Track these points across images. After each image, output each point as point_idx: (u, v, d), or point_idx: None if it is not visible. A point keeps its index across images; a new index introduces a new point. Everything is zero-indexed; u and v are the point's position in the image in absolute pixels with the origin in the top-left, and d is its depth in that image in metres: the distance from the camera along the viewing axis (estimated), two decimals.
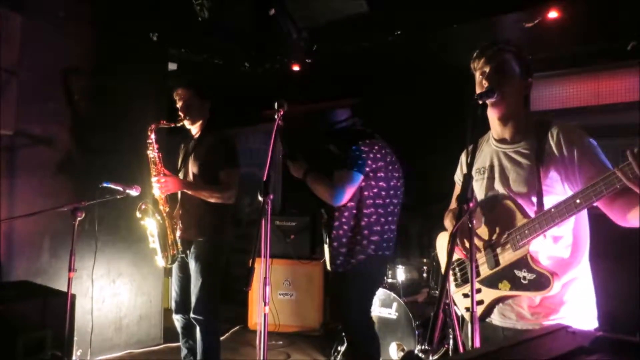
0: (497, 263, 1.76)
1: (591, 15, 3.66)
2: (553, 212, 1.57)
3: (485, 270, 1.80)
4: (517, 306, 1.75)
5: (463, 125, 1.73)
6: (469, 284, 1.56)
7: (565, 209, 1.54)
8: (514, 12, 3.67)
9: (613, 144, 4.03)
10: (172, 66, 5.20)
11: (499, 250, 1.75)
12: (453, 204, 2.13)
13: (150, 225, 3.25)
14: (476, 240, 1.77)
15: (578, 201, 1.50)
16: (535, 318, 1.73)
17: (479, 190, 1.89)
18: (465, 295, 1.92)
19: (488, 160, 1.88)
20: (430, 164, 4.45)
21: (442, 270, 1.97)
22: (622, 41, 3.85)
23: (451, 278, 1.99)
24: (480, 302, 1.81)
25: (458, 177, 2.12)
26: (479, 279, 1.81)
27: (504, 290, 1.73)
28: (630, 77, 3.94)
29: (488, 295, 1.79)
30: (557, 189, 1.71)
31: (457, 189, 2.11)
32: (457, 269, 1.98)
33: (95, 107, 4.20)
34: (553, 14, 3.61)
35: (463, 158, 2.08)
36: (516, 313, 1.76)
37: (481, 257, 1.81)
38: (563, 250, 1.73)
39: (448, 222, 2.06)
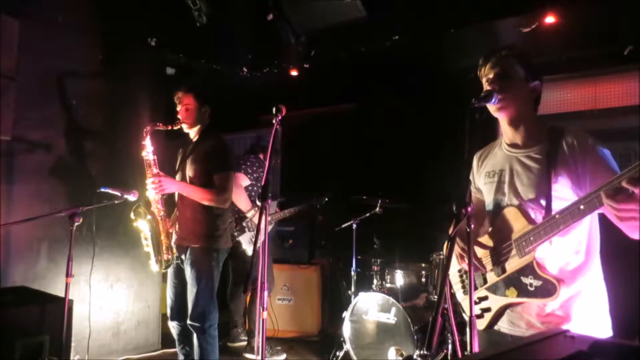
0: (503, 270, 1.75)
1: (588, 19, 3.67)
2: (557, 219, 1.55)
3: (492, 277, 1.79)
4: (526, 314, 1.73)
5: (462, 129, 1.73)
6: (476, 291, 1.54)
7: (569, 215, 1.51)
8: (511, 17, 3.68)
9: (612, 148, 4.03)
10: (170, 71, 5.20)
11: (505, 256, 1.74)
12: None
13: (144, 228, 3.21)
14: (482, 248, 1.77)
15: (582, 207, 1.47)
16: (546, 327, 1.69)
17: (488, 194, 1.90)
18: (475, 303, 1.90)
19: (499, 164, 1.88)
20: (429, 168, 4.45)
21: (443, 275, 1.98)
22: (619, 45, 3.86)
23: (459, 285, 1.98)
24: (488, 310, 1.79)
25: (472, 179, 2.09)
26: (486, 285, 1.80)
27: (511, 297, 1.71)
28: (628, 81, 3.95)
29: (496, 302, 1.78)
30: (566, 195, 1.69)
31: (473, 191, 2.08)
32: (464, 276, 1.97)
33: (93, 112, 4.19)
34: (550, 19, 3.62)
35: (475, 162, 2.06)
36: (525, 321, 1.73)
37: (488, 264, 1.80)
38: (573, 256, 1.71)
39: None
